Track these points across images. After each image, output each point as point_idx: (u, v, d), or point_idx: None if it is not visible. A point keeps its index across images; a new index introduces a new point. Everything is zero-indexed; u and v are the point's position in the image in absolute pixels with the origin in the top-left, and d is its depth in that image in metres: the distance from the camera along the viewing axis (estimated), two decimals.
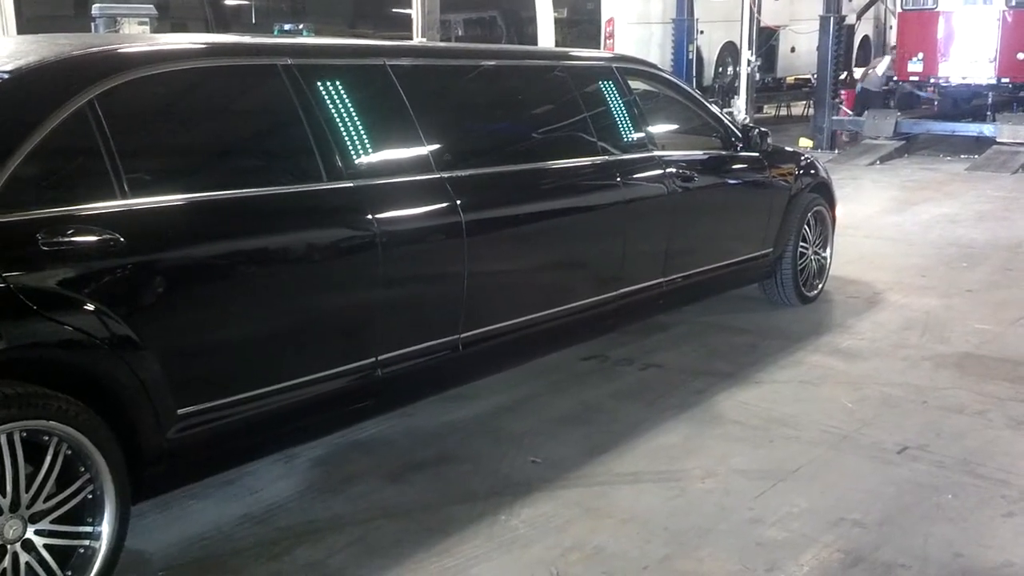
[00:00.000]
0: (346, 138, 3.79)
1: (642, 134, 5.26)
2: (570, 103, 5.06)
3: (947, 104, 16.54)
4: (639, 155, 5.18)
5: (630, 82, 5.39)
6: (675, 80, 6.07)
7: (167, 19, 9.11)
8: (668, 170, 5.29)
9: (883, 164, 13.96)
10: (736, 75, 16.25)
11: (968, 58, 15.12)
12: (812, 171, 6.61)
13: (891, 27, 21.94)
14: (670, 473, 4.10)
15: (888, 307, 6.59)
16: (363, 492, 3.94)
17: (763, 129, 6.15)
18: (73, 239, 2.96)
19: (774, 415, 4.71)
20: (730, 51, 17.11)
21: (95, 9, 7.50)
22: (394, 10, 11.13)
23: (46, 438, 2.84)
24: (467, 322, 4.18)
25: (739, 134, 5.98)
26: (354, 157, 3.79)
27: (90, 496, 2.95)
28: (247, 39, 3.99)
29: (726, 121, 6.00)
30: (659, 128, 5.53)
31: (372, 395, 3.88)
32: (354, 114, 3.84)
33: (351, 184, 3.74)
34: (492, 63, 4.88)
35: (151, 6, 8.14)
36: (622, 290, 5.02)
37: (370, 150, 3.85)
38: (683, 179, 5.37)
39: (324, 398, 3.69)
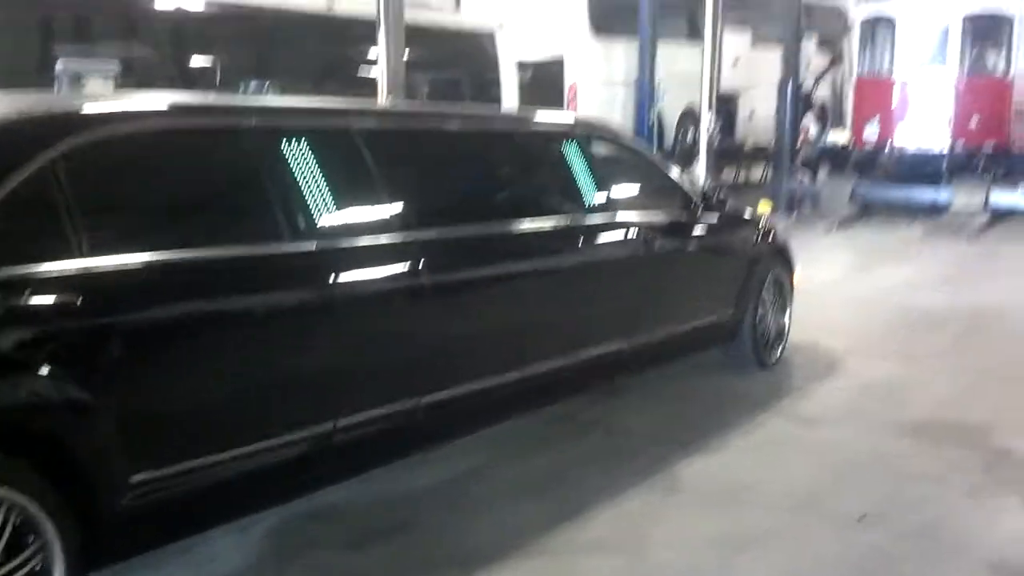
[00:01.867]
0: (309, 200, 3.77)
1: (603, 197, 5.29)
2: (531, 165, 5.11)
3: (903, 169, 16.80)
4: (600, 218, 5.20)
5: (591, 145, 5.43)
6: (634, 144, 6.13)
7: (132, 76, 9.08)
8: (629, 233, 5.32)
9: (841, 229, 14.14)
10: (696, 140, 16.44)
11: (924, 125, 15.42)
12: (771, 235, 6.68)
13: (847, 95, 22.37)
14: (633, 541, 4.07)
15: (847, 372, 6.63)
16: (321, 562, 3.87)
17: (722, 194, 6.21)
18: (30, 300, 2.91)
19: (735, 481, 4.70)
20: (691, 117, 17.31)
21: (59, 65, 7.47)
22: (359, 71, 11.20)
23: None
24: (428, 386, 4.15)
25: (699, 198, 6.03)
26: (317, 218, 3.77)
27: (39, 567, 2.87)
28: (212, 99, 3.99)
29: (686, 185, 6.06)
30: (620, 191, 5.56)
31: (331, 461, 3.83)
32: (318, 176, 3.83)
33: (312, 245, 3.72)
34: (454, 126, 4.91)
35: (115, 63, 8.12)
36: (585, 354, 5.01)
37: (333, 211, 3.84)
38: (644, 242, 5.40)
39: (282, 464, 3.63)
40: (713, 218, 6.07)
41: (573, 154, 5.22)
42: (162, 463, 3.23)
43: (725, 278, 6.18)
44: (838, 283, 9.96)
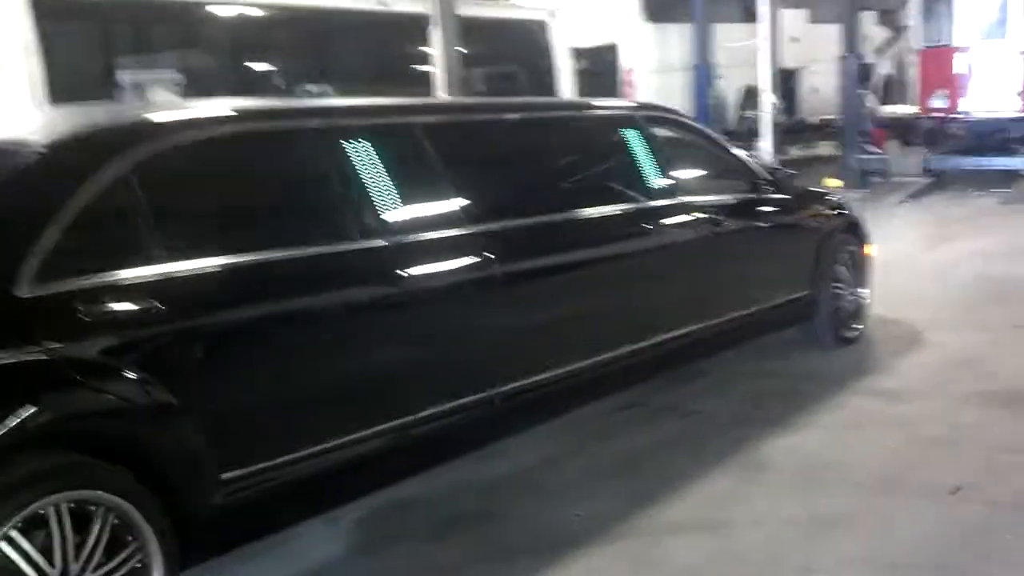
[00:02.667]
0: (378, 196, 3.79)
1: (669, 181, 5.25)
2: (597, 152, 5.07)
3: (972, 139, 16.44)
4: (667, 202, 5.16)
5: (654, 129, 5.39)
6: (698, 126, 6.06)
7: (194, 85, 9.22)
8: (699, 215, 5.27)
9: (914, 201, 13.88)
10: (758, 119, 16.25)
11: (991, 92, 15.06)
12: (842, 211, 6.58)
13: (912, 65, 21.94)
14: (717, 522, 4.04)
15: (929, 346, 6.50)
16: (406, 552, 3.90)
17: (790, 170, 6.12)
18: (113, 308, 2.97)
19: (819, 460, 4.63)
20: (751, 96, 17.11)
21: (123, 77, 7.61)
22: (416, 68, 11.24)
23: (93, 508, 2.83)
24: (504, 376, 4.15)
25: (766, 177, 5.96)
26: (386, 215, 3.80)
27: (138, 564, 2.93)
28: (277, 103, 4.02)
29: (752, 164, 5.98)
30: (687, 174, 5.52)
31: (412, 453, 3.85)
32: (384, 172, 3.85)
33: (384, 242, 3.74)
34: (518, 116, 4.89)
35: (178, 72, 8.24)
36: (658, 338, 4.97)
37: (402, 207, 3.86)
38: (713, 224, 5.34)
39: (365, 458, 3.66)
40: (782, 196, 5.99)
41: (638, 138, 5.18)
42: (250, 460, 3.28)
43: (798, 255, 6.09)
44: (914, 255, 9.76)
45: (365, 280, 3.72)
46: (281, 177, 3.79)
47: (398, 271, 3.74)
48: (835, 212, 6.47)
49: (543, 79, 13.10)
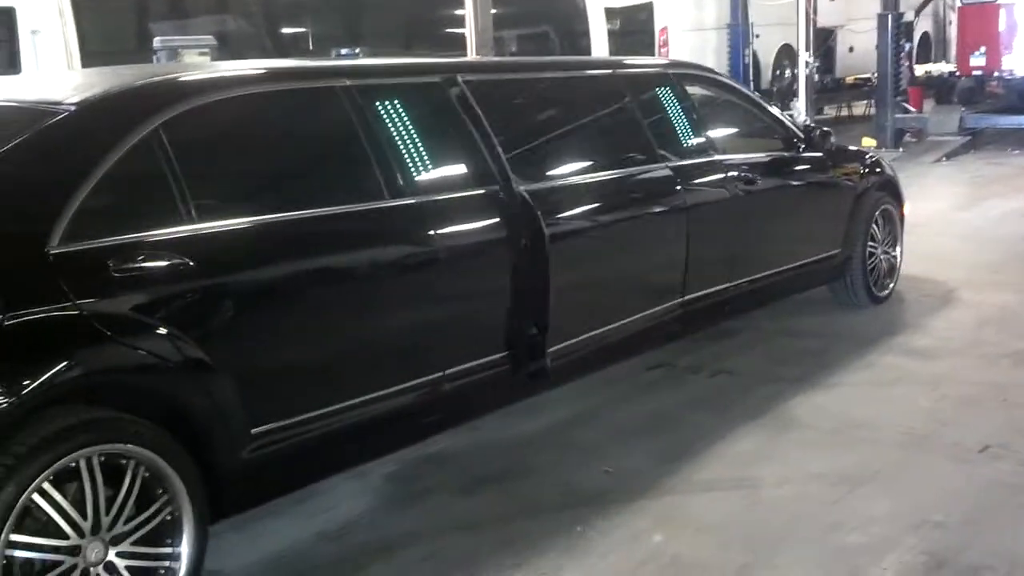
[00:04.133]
0: (408, 156, 3.80)
1: (703, 138, 5.22)
2: (632, 110, 5.02)
3: (1012, 97, 16.17)
4: (701, 159, 5.13)
5: (688, 87, 5.35)
6: (732, 83, 6.02)
7: (226, 49, 9.22)
8: (731, 173, 5.24)
9: (949, 160, 13.68)
10: (794, 77, 16.05)
11: None
12: (878, 169, 6.50)
13: (951, 22, 21.59)
14: (745, 480, 4.04)
15: (962, 305, 6.44)
16: (435, 506, 3.93)
17: (825, 128, 6.06)
18: (144, 265, 3.01)
19: (849, 418, 4.61)
20: (787, 54, 16.91)
21: (156, 42, 7.65)
22: (448, 30, 11.18)
23: (124, 461, 2.88)
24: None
25: (800, 135, 5.90)
26: (416, 174, 3.80)
27: (168, 517, 2.98)
28: (306, 63, 4.03)
29: (787, 122, 5.92)
30: (719, 132, 5.48)
31: (441, 409, 3.88)
32: (415, 132, 3.85)
33: (414, 201, 3.75)
34: (552, 75, 4.87)
35: (211, 37, 8.27)
36: (689, 295, 4.96)
37: (431, 167, 3.86)
38: (746, 182, 5.31)
39: (394, 413, 3.69)
40: (817, 154, 5.93)
41: (673, 96, 5.14)
42: (280, 415, 3.32)
43: (832, 213, 6.04)
44: (948, 214, 9.65)
45: (394, 238, 3.73)
46: (309, 136, 3.81)
47: (428, 230, 3.75)
48: (870, 170, 6.39)
49: (576, 40, 12.99)
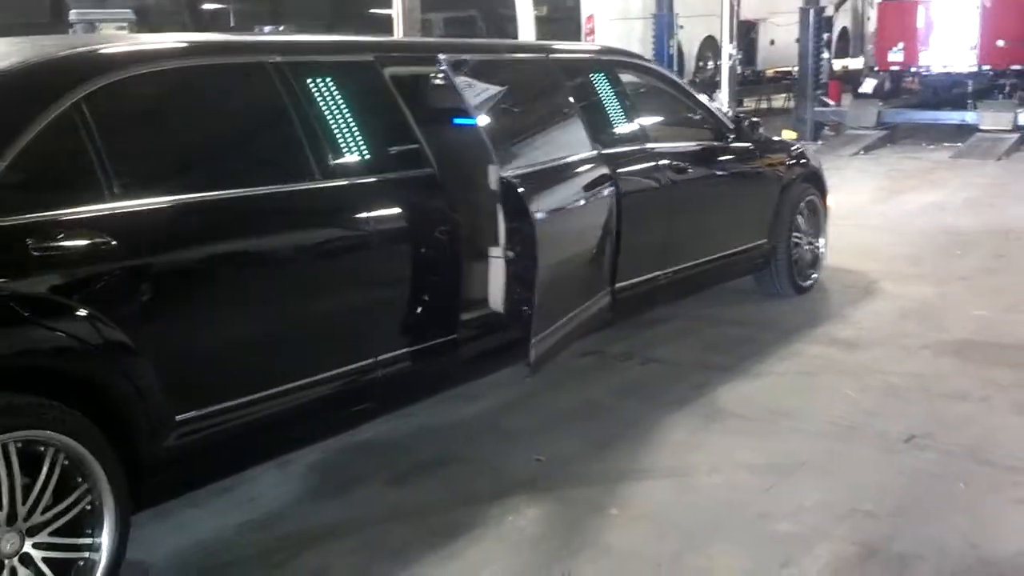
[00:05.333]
0: (339, 136, 3.70)
1: (635, 127, 5.20)
2: (563, 98, 4.97)
3: (928, 93, 16.56)
4: (632, 147, 5.12)
5: (620, 75, 5.33)
6: (665, 72, 6.02)
7: (145, 23, 8.97)
8: (660, 162, 5.24)
9: (867, 154, 13.94)
10: (717, 69, 16.20)
11: (949, 47, 15.14)
12: (803, 160, 6.57)
13: (869, 18, 22.02)
14: (677, 469, 4.04)
15: (883, 296, 6.55)
16: (365, 496, 3.85)
17: (754, 119, 6.09)
18: (63, 243, 2.87)
19: (777, 407, 4.65)
20: (710, 46, 17.05)
21: (73, 15, 7.39)
22: (373, 11, 11.03)
23: (42, 448, 2.75)
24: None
25: (730, 125, 5.93)
26: (346, 155, 3.71)
27: (89, 507, 2.86)
28: (233, 37, 3.90)
29: (717, 112, 5.94)
30: (651, 120, 5.47)
31: (372, 396, 3.80)
32: (347, 111, 3.75)
33: (344, 182, 3.66)
34: (481, 57, 4.80)
35: (129, 10, 8.03)
36: (619, 284, 4.94)
37: (361, 147, 3.77)
38: (676, 171, 5.31)
39: (323, 401, 3.61)
40: (745, 144, 5.96)
41: (606, 83, 5.12)
42: (204, 402, 3.21)
43: (759, 204, 6.09)
44: (867, 207, 9.82)
45: (322, 221, 3.64)
46: (237, 114, 3.68)
47: (354, 212, 3.66)
48: (796, 162, 6.46)
49: (503, 25, 12.93)
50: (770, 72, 20.44)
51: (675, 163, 5.31)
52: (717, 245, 5.75)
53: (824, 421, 4.48)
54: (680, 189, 5.32)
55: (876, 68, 16.29)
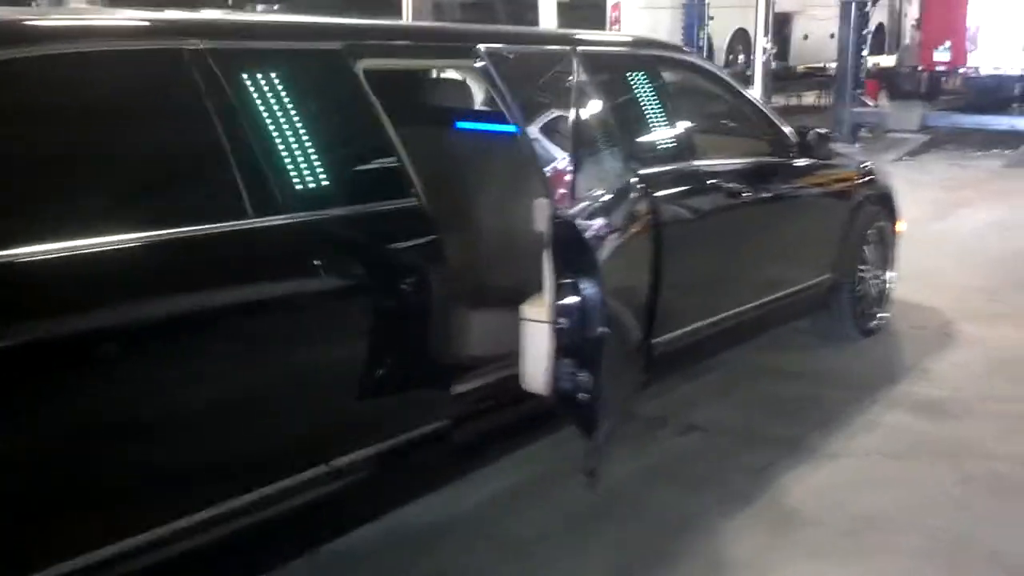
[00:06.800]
0: (278, 155, 2.64)
1: (678, 140, 4.15)
2: (589, 101, 3.91)
3: (974, 95, 15.43)
4: (673, 166, 4.07)
5: (661, 72, 4.27)
6: (715, 70, 4.92)
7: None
8: (710, 184, 4.19)
9: (910, 159, 12.86)
10: (748, 63, 15.14)
11: (1000, 47, 14.02)
12: (871, 178, 5.51)
13: (906, 15, 20.95)
14: None
15: (964, 342, 5.48)
16: None
17: (821, 130, 5.00)
18: None
19: (862, 511, 3.59)
20: (741, 38, 16.00)
21: None
22: None
23: None
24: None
25: (793, 138, 4.86)
26: (292, 182, 2.66)
27: None
28: (144, 14, 2.77)
29: (778, 121, 4.86)
30: (699, 131, 4.43)
31: (317, 521, 2.77)
32: (292, 119, 2.71)
33: (285, 220, 2.61)
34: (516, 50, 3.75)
35: None
36: (657, 338, 3.90)
37: (315, 171, 2.72)
38: (729, 195, 4.27)
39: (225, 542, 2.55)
40: (810, 162, 4.90)
41: (645, 84, 4.06)
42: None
43: (823, 233, 5.06)
44: (923, 224, 8.68)
45: (259, 275, 2.59)
46: (130, 122, 2.50)
47: (303, 264, 2.64)
48: (864, 180, 5.40)
49: (523, 13, 11.99)
50: (801, 68, 19.42)
51: (729, 185, 4.26)
52: (775, 283, 4.71)
53: (924, 534, 3.43)
54: (734, 217, 4.29)
55: (920, 68, 15.13)
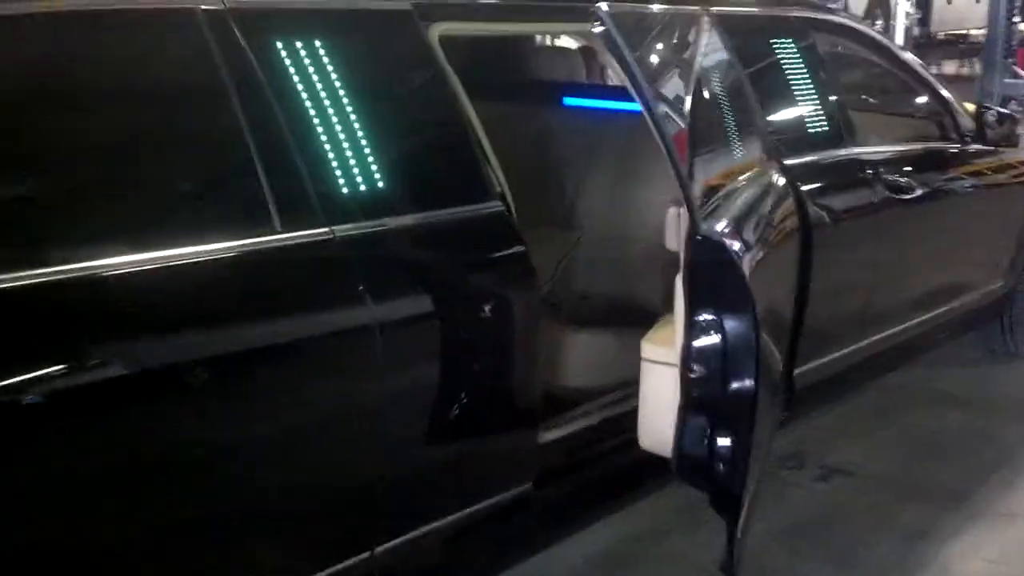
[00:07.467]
0: (321, 147, 2.02)
1: (836, 122, 3.39)
2: (724, 76, 3.17)
3: None
4: (832, 153, 3.32)
5: (815, 41, 3.50)
6: (880, 39, 4.06)
7: None
8: (871, 175, 3.43)
9: None
10: (887, 30, 14.07)
11: None
12: None
13: None
14: None
15: None
16: None
17: (1005, 111, 4.16)
18: None
19: None
20: (880, 2, 14.88)
21: None
22: None
23: None
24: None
25: (969, 122, 4.04)
26: (341, 182, 2.03)
27: None
28: None
29: (952, 100, 4.03)
30: (858, 111, 3.67)
31: None
32: (342, 100, 2.07)
33: (322, 233, 1.98)
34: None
35: None
36: (811, 364, 3.19)
37: (370, 168, 2.08)
38: (894, 189, 3.49)
39: None
40: (987, 148, 4.08)
41: (797, 55, 3.31)
42: None
43: (998, 233, 4.24)
44: None
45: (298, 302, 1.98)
46: (129, 110, 1.89)
47: (345, 289, 2.01)
48: None
49: None
50: (941, 34, 18.14)
51: (892, 178, 3.49)
52: (942, 295, 3.94)
53: None
54: (898, 217, 3.51)
55: None
